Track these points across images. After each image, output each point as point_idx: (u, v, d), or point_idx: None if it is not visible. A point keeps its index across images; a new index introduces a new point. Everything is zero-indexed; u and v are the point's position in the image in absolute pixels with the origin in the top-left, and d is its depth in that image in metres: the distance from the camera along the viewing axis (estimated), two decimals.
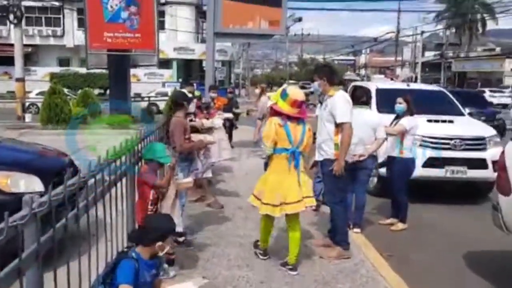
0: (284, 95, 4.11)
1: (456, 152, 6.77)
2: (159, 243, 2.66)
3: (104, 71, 19.67)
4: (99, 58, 16.73)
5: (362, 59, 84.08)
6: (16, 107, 20.23)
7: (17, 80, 20.97)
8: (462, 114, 8.04)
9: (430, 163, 6.72)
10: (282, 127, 4.07)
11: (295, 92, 4.18)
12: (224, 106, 9.60)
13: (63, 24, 35.44)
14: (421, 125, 7.07)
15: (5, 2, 21.15)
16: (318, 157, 4.66)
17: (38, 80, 31.95)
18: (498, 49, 53.31)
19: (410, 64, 51.60)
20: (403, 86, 8.83)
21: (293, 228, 4.29)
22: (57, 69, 34.65)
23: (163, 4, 34.13)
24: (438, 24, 50.12)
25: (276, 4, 10.45)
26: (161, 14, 35.29)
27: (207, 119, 6.75)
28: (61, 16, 35.13)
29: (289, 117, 4.08)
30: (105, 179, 3.14)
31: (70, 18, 34.93)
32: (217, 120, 6.80)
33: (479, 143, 6.92)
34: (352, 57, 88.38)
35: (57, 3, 32.91)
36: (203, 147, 5.05)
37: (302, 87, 36.91)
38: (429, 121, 7.18)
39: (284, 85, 4.52)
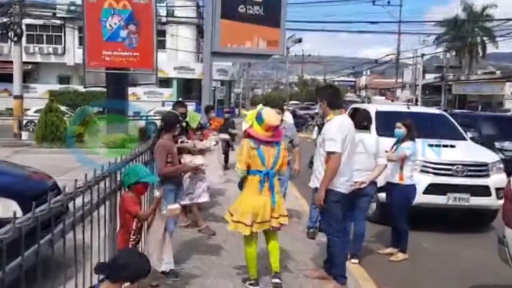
0: (260, 119, 4.09)
1: (459, 179, 6.52)
2: (126, 284, 2.36)
3: (104, 89, 19.61)
4: (97, 76, 16.61)
5: (362, 80, 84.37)
6: (13, 124, 20.09)
7: (15, 97, 20.88)
8: (464, 139, 7.81)
9: (432, 189, 6.46)
10: (255, 149, 4.12)
11: (271, 117, 4.14)
12: (221, 126, 9.39)
13: (64, 42, 35.58)
14: (421, 149, 6.89)
15: (5, 20, 21.23)
16: (312, 183, 4.44)
17: (38, 98, 31.86)
18: (498, 73, 53.48)
19: (410, 86, 51.66)
20: (403, 108, 8.63)
21: (271, 241, 4.33)
22: (56, 87, 34.64)
23: (164, 23, 34.34)
24: (438, 46, 50.38)
25: (275, 25, 10.34)
26: (162, 33, 35.51)
27: (201, 140, 6.52)
28: (63, 34, 35.27)
29: (262, 140, 4.14)
30: (83, 204, 2.98)
31: (71, 36, 35.05)
32: (210, 142, 6.58)
33: (482, 169, 6.68)
34: (352, 79, 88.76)
35: (58, 21, 33.04)
36: (187, 171, 4.75)
37: (307, 108, 36.72)
38: (430, 145, 6.94)
39: (259, 107, 4.26)
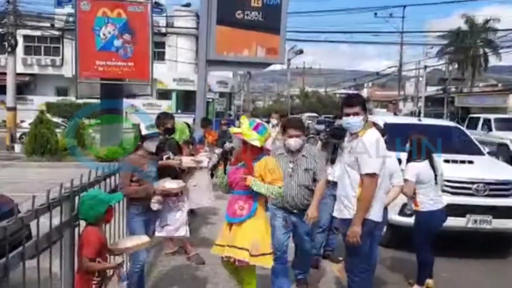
0: (264, 130, 3.69)
1: (479, 199, 5.82)
2: None
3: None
4: (91, 87, 16.01)
5: (364, 93, 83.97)
6: (6, 136, 19.49)
7: (8, 109, 20.33)
8: (481, 153, 7.12)
9: (449, 211, 5.74)
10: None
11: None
12: (216, 140, 8.76)
13: (62, 53, 35.11)
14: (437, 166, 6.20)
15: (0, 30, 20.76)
16: (338, 212, 3.70)
17: (34, 110, 31.31)
18: (499, 85, 53.08)
19: (413, 99, 51.12)
20: (414, 121, 7.95)
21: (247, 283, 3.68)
22: (54, 99, 34.10)
23: (164, 34, 33.91)
24: (440, 59, 50.04)
25: (274, 31, 9.68)
26: (162, 45, 35.11)
27: (192, 155, 5.85)
28: (61, 45, 34.82)
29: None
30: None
31: (69, 48, 34.51)
32: (202, 158, 5.90)
33: (505, 188, 5.97)
34: (354, 91, 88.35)
35: (57, 33, 32.60)
36: (150, 196, 4.03)
37: (327, 122, 34.82)
38: (447, 161, 6.26)
39: (244, 118, 3.88)
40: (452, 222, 5.76)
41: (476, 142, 7.42)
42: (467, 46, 48.77)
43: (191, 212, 5.96)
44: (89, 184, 3.20)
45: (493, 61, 50.75)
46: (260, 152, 3.67)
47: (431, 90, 51.92)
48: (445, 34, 49.24)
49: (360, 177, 3.46)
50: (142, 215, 3.92)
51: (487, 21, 47.88)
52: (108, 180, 3.79)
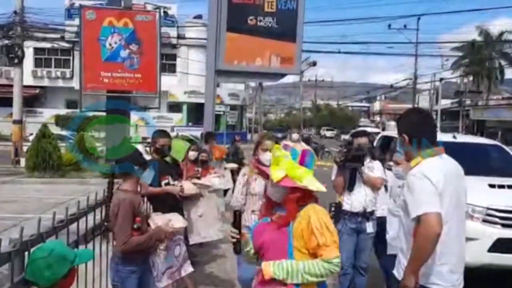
0: (312, 159, 2.43)
1: None
2: None
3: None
4: (97, 99, 15.36)
5: (376, 105, 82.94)
6: (11, 150, 18.94)
7: (14, 122, 19.87)
8: None
9: (501, 246, 4.87)
10: None
11: None
12: (223, 156, 7.99)
13: (73, 65, 34.83)
14: (482, 191, 5.34)
15: (6, 42, 20.39)
16: (398, 274, 2.67)
17: (44, 122, 30.94)
18: None
19: None
20: (447, 138, 7.03)
21: None
22: (63, 111, 33.75)
23: (175, 46, 33.44)
24: (455, 71, 49.10)
25: (290, 38, 8.86)
26: (173, 57, 34.63)
27: (198, 178, 5.04)
28: (71, 57, 34.53)
29: None
30: None
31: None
32: (214, 180, 5.09)
33: None
34: (366, 104, 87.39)
35: (67, 45, 32.32)
36: (163, 238, 3.22)
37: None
38: (492, 186, 5.39)
39: (278, 147, 2.45)
40: (505, 260, 4.89)
41: None
42: (483, 58, 47.78)
43: (200, 246, 5.13)
44: (51, 232, 2.38)
45: (509, 73, 49.76)
46: (311, 197, 2.39)
47: (445, 103, 50.85)
48: (459, 46, 48.35)
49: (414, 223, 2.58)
50: (139, 270, 3.09)
51: (502, 33, 47.01)
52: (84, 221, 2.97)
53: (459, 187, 2.63)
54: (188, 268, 3.75)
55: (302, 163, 2.34)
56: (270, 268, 2.26)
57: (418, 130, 2.63)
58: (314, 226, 2.26)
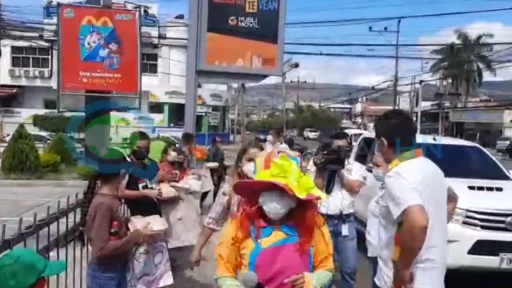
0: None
1: None
2: None
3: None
4: (75, 99, 15.11)
5: (358, 107, 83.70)
6: None
7: None
8: (507, 178, 6.27)
9: (480, 248, 4.89)
10: None
11: None
12: (203, 157, 7.91)
13: (51, 65, 34.23)
14: (461, 193, 5.35)
15: None
16: (378, 281, 2.66)
17: (21, 123, 30.32)
18: (492, 101, 53.07)
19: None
20: (427, 139, 7.06)
21: None
22: (41, 111, 33.14)
23: (156, 46, 33.15)
24: (434, 74, 49.92)
25: (271, 39, 8.79)
26: (154, 57, 34.31)
27: (177, 181, 4.94)
28: (50, 56, 33.94)
29: None
30: None
31: None
32: (192, 182, 5.00)
33: None
34: (348, 105, 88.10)
35: (45, 44, 31.75)
36: (142, 242, 3.13)
37: None
38: (471, 188, 5.41)
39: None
40: (484, 261, 4.91)
41: (500, 164, 6.57)
42: (461, 61, 48.67)
43: (179, 249, 5.02)
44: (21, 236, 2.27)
45: (489, 76, 50.82)
46: (314, 206, 2.24)
47: (425, 105, 51.58)
48: (439, 49, 49.14)
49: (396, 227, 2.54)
50: (118, 277, 2.97)
51: (480, 37, 47.96)
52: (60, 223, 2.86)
53: (439, 189, 2.61)
54: (167, 280, 3.62)
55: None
56: (313, 281, 2.08)
57: (396, 132, 2.60)
58: (327, 236, 2.19)
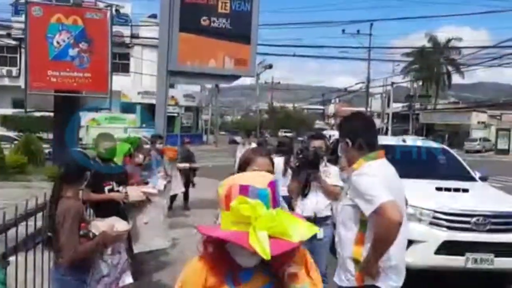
0: (265, 197, 1.59)
1: (480, 234, 5.05)
2: None
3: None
4: (44, 99, 14.74)
5: (331, 108, 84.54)
6: None
7: None
8: (473, 179, 6.41)
9: (446, 248, 4.97)
10: None
11: None
12: (174, 158, 7.83)
13: (20, 64, 33.34)
14: (429, 194, 5.46)
15: None
16: (339, 279, 2.68)
17: None
18: (460, 103, 54.62)
19: (379, 115, 51.53)
20: (397, 142, 7.17)
21: None
22: (9, 111, 32.22)
23: (128, 46, 32.71)
24: (405, 76, 50.88)
25: (244, 40, 8.78)
26: (126, 56, 33.82)
27: (146, 183, 4.87)
28: (18, 55, 33.07)
29: None
30: None
31: None
32: (159, 182, 4.92)
33: (508, 221, 5.22)
34: (321, 106, 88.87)
35: (14, 42, 30.93)
36: (110, 243, 3.05)
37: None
38: (439, 189, 5.51)
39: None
40: (450, 261, 5.00)
41: (466, 166, 6.72)
42: (431, 64, 49.82)
43: (148, 252, 4.94)
44: None
45: (458, 79, 52.17)
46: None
47: (397, 106, 52.56)
48: (410, 52, 50.12)
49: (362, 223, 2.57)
50: (82, 278, 2.90)
51: (449, 40, 49.15)
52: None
53: (400, 191, 2.67)
54: (126, 279, 3.55)
55: (274, 204, 1.58)
56: None
57: (359, 134, 2.67)
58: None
